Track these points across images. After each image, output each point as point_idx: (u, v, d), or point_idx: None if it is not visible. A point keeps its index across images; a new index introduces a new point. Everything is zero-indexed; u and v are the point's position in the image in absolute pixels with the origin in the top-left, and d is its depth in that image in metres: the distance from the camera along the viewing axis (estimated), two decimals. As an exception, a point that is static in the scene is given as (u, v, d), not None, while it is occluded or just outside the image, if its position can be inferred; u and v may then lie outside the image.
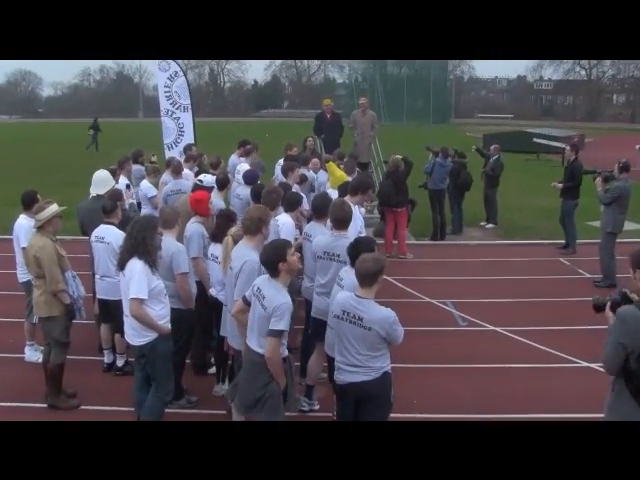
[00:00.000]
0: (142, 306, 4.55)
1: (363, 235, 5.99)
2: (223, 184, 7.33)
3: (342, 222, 5.27)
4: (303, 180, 8.41)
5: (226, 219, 5.66)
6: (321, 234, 5.56)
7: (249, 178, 7.73)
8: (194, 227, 5.93)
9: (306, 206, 6.98)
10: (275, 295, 4.11)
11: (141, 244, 4.56)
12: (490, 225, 13.16)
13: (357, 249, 4.46)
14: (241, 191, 7.83)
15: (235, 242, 4.99)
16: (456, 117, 59.88)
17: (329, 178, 8.36)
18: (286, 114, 67.83)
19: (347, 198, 6.05)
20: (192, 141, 11.48)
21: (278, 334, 4.07)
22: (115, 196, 6.45)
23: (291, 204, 6.13)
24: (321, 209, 5.77)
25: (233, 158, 10.28)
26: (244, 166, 9.07)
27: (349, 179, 7.63)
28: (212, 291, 5.72)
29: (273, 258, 4.15)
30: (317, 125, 13.52)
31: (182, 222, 5.64)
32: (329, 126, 13.09)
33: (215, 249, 5.59)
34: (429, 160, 12.23)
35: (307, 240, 5.85)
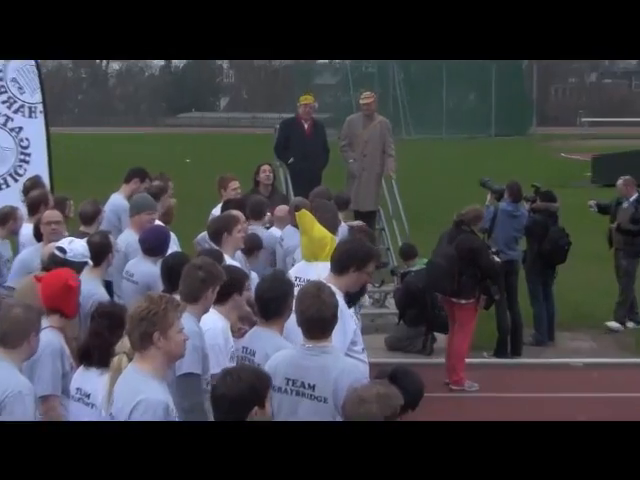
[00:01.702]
0: None
1: (361, 355, 6.08)
2: (102, 254, 7.42)
3: (320, 325, 5.33)
4: (254, 246, 8.53)
5: (111, 321, 5.70)
6: (276, 348, 5.64)
7: (152, 243, 7.86)
8: (47, 338, 5.91)
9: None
10: None
11: None
12: (615, 324, 13.16)
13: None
14: (136, 267, 7.93)
15: None
16: (540, 124, 61.25)
17: (301, 240, 8.49)
18: (225, 121, 68.96)
19: (329, 279, 6.16)
20: (44, 171, 11.71)
21: None
22: None
23: (224, 287, 6.12)
24: (272, 303, 5.90)
25: (117, 201, 10.14)
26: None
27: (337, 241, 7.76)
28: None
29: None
30: (282, 140, 13.78)
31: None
32: (305, 143, 13.35)
33: (85, 380, 5.66)
34: (487, 205, 12.45)
35: (248, 361, 5.94)
